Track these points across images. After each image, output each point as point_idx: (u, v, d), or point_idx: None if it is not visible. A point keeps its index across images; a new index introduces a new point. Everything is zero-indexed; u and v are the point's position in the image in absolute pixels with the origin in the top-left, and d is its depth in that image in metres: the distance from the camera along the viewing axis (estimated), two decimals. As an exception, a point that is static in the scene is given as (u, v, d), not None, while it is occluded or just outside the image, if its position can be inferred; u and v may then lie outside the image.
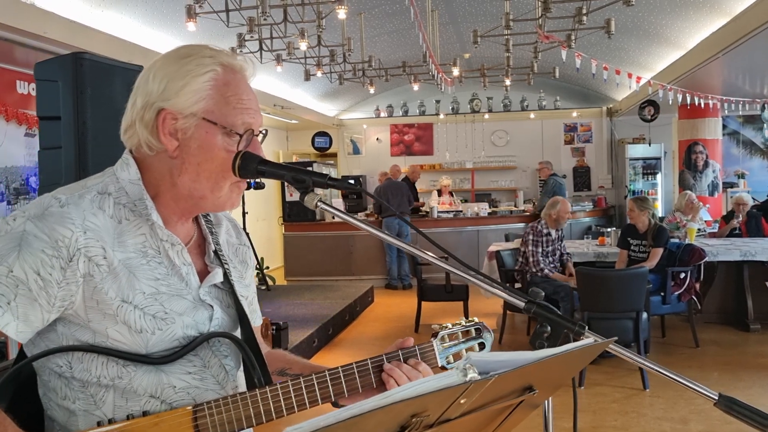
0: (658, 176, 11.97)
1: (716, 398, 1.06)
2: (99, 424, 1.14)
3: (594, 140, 12.75)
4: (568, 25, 5.87)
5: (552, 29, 6.13)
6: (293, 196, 10.07)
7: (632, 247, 5.98)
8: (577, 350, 0.93)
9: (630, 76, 7.00)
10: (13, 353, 1.09)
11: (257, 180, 7.46)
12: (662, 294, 5.70)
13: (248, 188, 8.66)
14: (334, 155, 13.49)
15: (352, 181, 12.40)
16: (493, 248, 7.11)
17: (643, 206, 5.82)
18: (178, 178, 1.21)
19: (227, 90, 1.21)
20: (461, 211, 10.31)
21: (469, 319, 1.47)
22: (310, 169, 1.23)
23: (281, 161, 12.81)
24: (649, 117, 10.90)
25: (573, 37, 5.83)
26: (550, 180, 9.89)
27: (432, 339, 1.38)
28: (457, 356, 1.40)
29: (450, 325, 1.42)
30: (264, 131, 1.31)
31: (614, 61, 8.06)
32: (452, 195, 10.75)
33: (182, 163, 1.20)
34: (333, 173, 11.76)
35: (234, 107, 1.20)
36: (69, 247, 1.10)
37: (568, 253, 6.19)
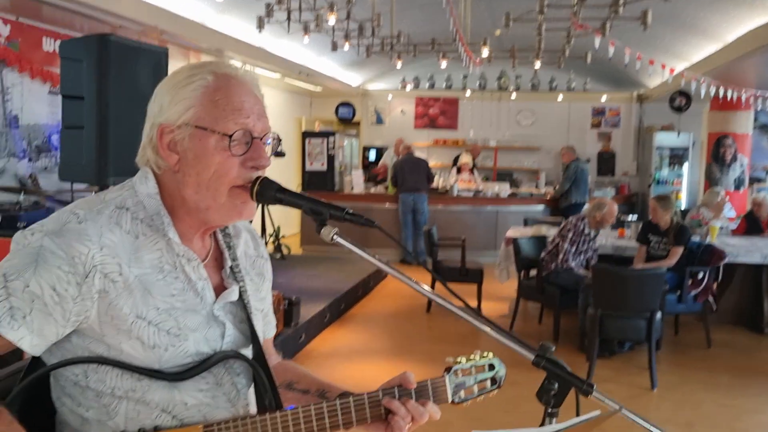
0: (685, 166, 11.78)
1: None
2: None
3: (621, 125, 12.55)
4: (604, 14, 5.72)
5: (587, 16, 5.98)
6: (313, 165, 10.07)
7: (652, 244, 5.90)
8: (581, 424, 0.91)
9: (663, 67, 6.84)
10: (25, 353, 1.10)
11: (278, 149, 7.52)
12: (678, 292, 5.65)
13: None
14: (357, 124, 13.41)
15: (374, 152, 12.36)
16: (511, 233, 7.07)
17: (666, 206, 5.73)
18: (184, 192, 1.21)
19: (217, 94, 1.19)
20: (481, 191, 10.23)
21: (483, 354, 1.46)
22: (328, 202, 1.22)
23: (303, 127, 12.82)
24: (680, 106, 10.68)
25: (608, 26, 5.69)
26: (571, 165, 9.76)
27: (445, 374, 1.37)
28: (468, 391, 1.39)
29: (464, 360, 1.40)
30: (275, 137, 1.29)
31: (648, 49, 7.87)
32: (473, 172, 10.66)
33: (184, 175, 1.20)
34: (354, 143, 11.70)
35: (223, 109, 1.19)
36: (85, 264, 1.11)
37: (595, 250, 6.10)
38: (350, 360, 5.23)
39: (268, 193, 1.21)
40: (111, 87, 2.55)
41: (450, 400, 1.36)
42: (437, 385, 1.35)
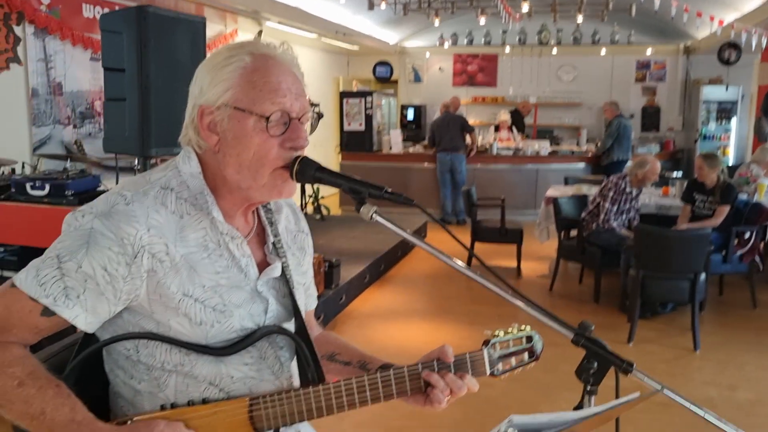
0: (733, 121, 11.40)
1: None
2: (162, 407, 1.22)
3: (667, 79, 12.17)
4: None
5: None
6: (351, 125, 10.05)
7: (697, 203, 5.77)
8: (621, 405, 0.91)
9: (712, 18, 6.58)
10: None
11: (317, 110, 7.46)
12: (724, 253, 5.54)
13: (307, 118, 8.72)
14: (395, 83, 13.29)
15: (411, 111, 12.26)
16: (551, 193, 6.99)
17: (713, 164, 5.57)
18: (225, 171, 1.24)
19: (254, 75, 1.20)
20: (521, 149, 10.10)
21: (521, 327, 1.47)
22: (367, 181, 1.22)
23: (341, 87, 12.77)
24: (729, 59, 10.29)
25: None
26: (614, 122, 9.53)
27: (483, 347, 1.39)
28: (506, 364, 1.40)
29: (501, 334, 1.42)
30: (318, 113, 1.30)
31: (696, -1, 7.56)
32: (512, 130, 10.51)
33: (224, 156, 1.22)
34: (392, 102, 11.62)
35: (261, 90, 1.19)
36: (134, 245, 1.15)
37: (637, 210, 5.99)
38: (390, 320, 5.29)
39: (307, 172, 1.23)
40: (151, 58, 2.58)
41: (488, 372, 1.37)
42: (475, 358, 1.37)
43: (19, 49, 5.36)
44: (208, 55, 1.27)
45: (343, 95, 10.32)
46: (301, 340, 1.31)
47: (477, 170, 9.75)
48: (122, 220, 1.15)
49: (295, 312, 1.35)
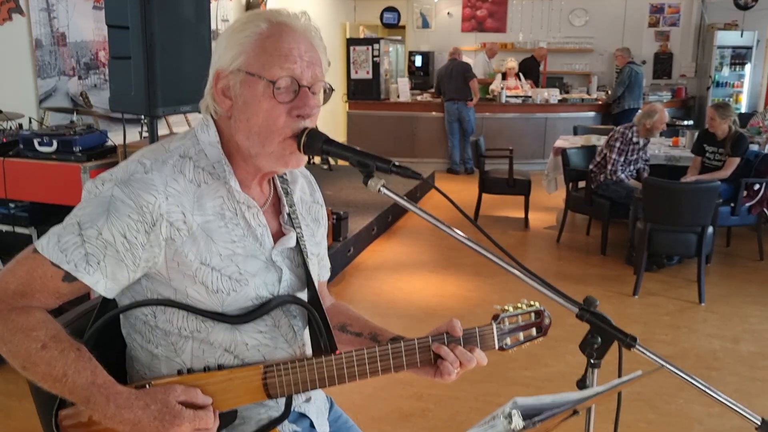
0: (747, 67, 11.17)
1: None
2: (179, 372, 1.25)
3: (681, 24, 11.88)
4: None
5: None
6: (358, 73, 9.93)
7: (707, 154, 5.72)
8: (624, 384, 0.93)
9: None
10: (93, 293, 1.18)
11: (327, 87, 7.42)
12: (732, 204, 5.52)
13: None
14: (403, 29, 13.05)
15: (419, 62, 12.07)
16: (559, 143, 6.93)
17: (724, 114, 5.49)
18: (237, 137, 1.25)
19: (267, 41, 1.21)
20: (530, 97, 9.97)
21: (530, 303, 1.49)
22: (375, 154, 1.22)
23: (348, 34, 12.55)
24: (746, 4, 10.03)
25: None
26: (625, 69, 9.36)
27: (492, 321, 1.41)
28: (514, 339, 1.43)
29: (511, 309, 1.44)
30: (328, 87, 1.29)
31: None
32: (519, 78, 10.35)
33: (236, 121, 1.24)
34: (400, 49, 11.43)
35: (271, 55, 1.20)
36: (153, 213, 1.17)
37: (646, 160, 5.94)
38: (397, 272, 5.34)
39: (315, 144, 1.23)
40: (155, 15, 2.53)
41: (497, 346, 1.40)
42: (484, 332, 1.39)
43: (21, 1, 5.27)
44: (229, 22, 1.27)
45: (350, 42, 10.16)
46: (314, 310, 1.34)
47: (485, 119, 9.66)
48: (141, 188, 1.17)
49: (308, 282, 1.37)
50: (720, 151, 5.61)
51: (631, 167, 5.80)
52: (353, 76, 9.97)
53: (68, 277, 1.15)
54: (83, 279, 1.15)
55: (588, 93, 10.82)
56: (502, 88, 10.04)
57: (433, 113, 9.93)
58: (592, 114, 9.93)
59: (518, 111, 9.85)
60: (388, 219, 6.71)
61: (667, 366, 1.02)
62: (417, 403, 3.38)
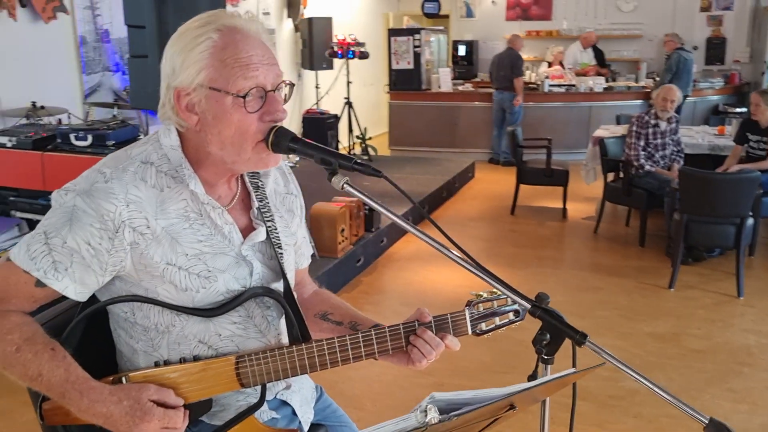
0: (805, 51, 10.71)
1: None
2: (156, 364, 1.31)
3: (735, 7, 11.44)
4: None
5: None
6: (399, 64, 9.92)
7: (751, 143, 5.53)
8: (553, 381, 0.94)
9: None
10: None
11: (362, 50, 7.42)
12: (777, 195, 5.32)
13: (352, 57, 8.64)
14: (446, 18, 12.96)
15: (462, 51, 11.97)
16: (599, 133, 6.81)
17: (769, 101, 5.30)
18: (208, 148, 1.27)
19: (225, 53, 1.22)
20: (574, 85, 9.78)
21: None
22: (338, 152, 1.25)
23: (390, 24, 12.54)
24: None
25: None
26: (674, 55, 9.09)
27: (465, 307, 1.42)
28: (490, 323, 1.44)
29: (485, 294, 1.45)
30: (288, 82, 1.31)
31: None
32: (564, 67, 10.16)
33: (206, 134, 1.26)
34: (442, 39, 11.35)
35: (233, 68, 1.21)
36: (114, 221, 1.21)
37: (680, 150, 5.79)
38: (429, 263, 5.35)
39: (282, 143, 1.26)
40: (170, 15, 2.61)
41: (470, 331, 1.41)
42: (456, 318, 1.41)
43: (66, -1, 5.47)
44: (175, 33, 1.28)
45: (391, 33, 10.15)
46: (284, 300, 1.37)
47: (527, 108, 9.53)
48: (101, 197, 1.21)
49: (282, 274, 1.41)
50: (764, 140, 5.42)
51: (660, 153, 5.66)
52: (394, 66, 9.98)
53: (40, 283, 1.21)
54: (52, 285, 1.21)
55: (636, 80, 10.56)
56: (546, 77, 9.89)
57: (476, 103, 9.85)
58: (638, 102, 9.68)
59: (561, 100, 9.69)
60: (424, 209, 6.70)
61: (616, 363, 1.02)
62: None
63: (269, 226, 1.41)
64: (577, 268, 5.33)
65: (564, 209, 6.74)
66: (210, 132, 1.25)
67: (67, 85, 5.59)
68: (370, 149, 8.88)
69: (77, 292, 1.24)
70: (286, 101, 1.30)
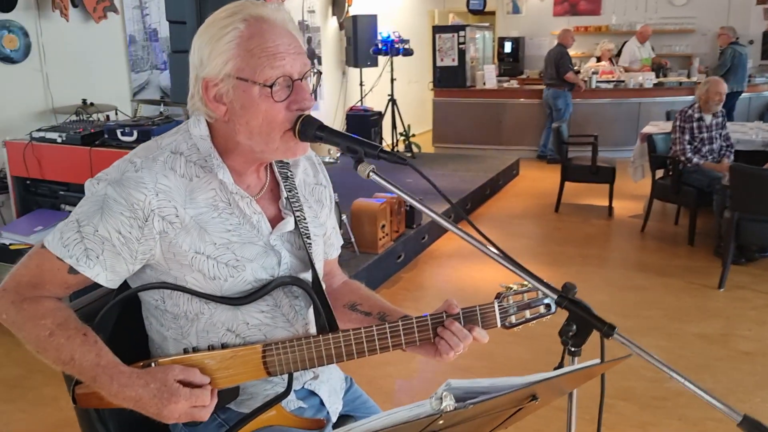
0: None
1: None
2: (185, 351, 1.33)
3: (794, -1, 11.04)
4: None
5: None
6: (444, 61, 9.88)
7: (809, 139, 5.33)
8: (574, 372, 0.91)
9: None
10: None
11: (406, 47, 7.43)
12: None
13: (396, 54, 8.63)
14: (492, 14, 12.85)
15: (508, 48, 11.84)
16: (648, 129, 6.64)
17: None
18: (237, 138, 1.28)
19: (251, 43, 1.22)
20: (623, 81, 9.57)
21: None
22: (364, 140, 1.24)
23: (436, 21, 12.49)
24: None
25: None
26: (727, 50, 8.82)
27: (494, 300, 1.40)
28: (520, 316, 1.41)
29: (515, 287, 1.42)
30: (315, 71, 1.31)
31: None
32: (612, 62, 9.95)
33: (234, 124, 1.27)
34: (488, 35, 11.25)
35: (259, 57, 1.22)
36: (144, 209, 1.23)
37: (729, 145, 5.61)
38: (471, 260, 5.31)
39: (309, 131, 1.26)
40: (210, 11, 2.63)
41: (499, 324, 1.39)
42: (485, 310, 1.39)
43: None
44: (203, 24, 1.29)
45: (436, 30, 10.11)
46: (312, 290, 1.37)
47: (575, 105, 9.37)
48: (132, 186, 1.23)
49: (311, 263, 1.41)
50: (822, 136, 5.21)
51: (707, 147, 5.49)
52: (439, 63, 9.93)
53: (72, 270, 1.24)
54: (84, 272, 1.24)
55: (688, 76, 10.27)
56: (593, 73, 9.71)
57: (521, 100, 9.74)
58: (690, 98, 9.37)
59: (609, 96, 9.49)
60: (467, 206, 6.67)
61: (645, 356, 0.98)
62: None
63: (298, 216, 1.41)
64: (623, 267, 5.21)
65: (610, 207, 6.60)
66: (238, 122, 1.26)
67: (116, 83, 5.74)
68: (413, 146, 8.86)
69: (108, 279, 1.27)
70: (313, 90, 1.30)
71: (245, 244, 1.32)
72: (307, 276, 1.41)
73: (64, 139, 3.92)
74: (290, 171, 1.45)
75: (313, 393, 1.48)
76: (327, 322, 1.37)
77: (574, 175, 6.70)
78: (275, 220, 1.39)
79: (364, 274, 4.47)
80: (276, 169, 1.43)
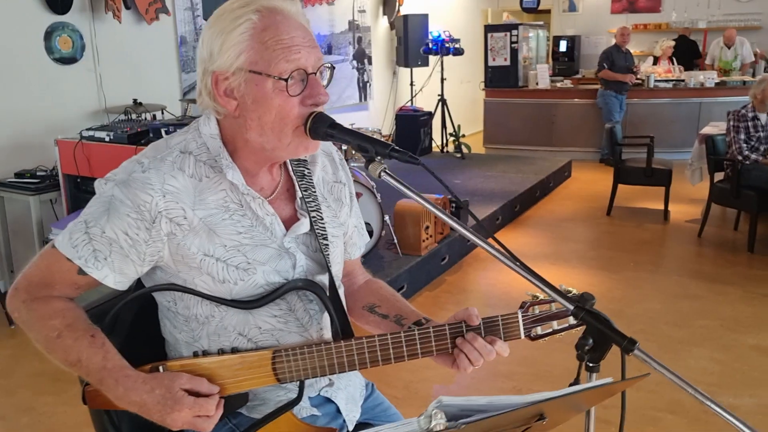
0: None
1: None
2: (195, 354, 1.30)
3: None
4: None
5: None
6: (495, 60, 9.73)
7: None
8: (584, 391, 0.83)
9: None
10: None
11: (456, 46, 7.36)
12: None
13: (447, 54, 8.54)
14: (547, 12, 12.60)
15: (563, 47, 11.60)
16: (707, 130, 6.38)
17: None
18: (247, 134, 1.24)
19: (265, 35, 1.17)
20: (683, 81, 9.24)
21: (568, 289, 1.37)
22: (376, 138, 1.19)
23: (489, 20, 12.33)
24: None
25: None
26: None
27: (518, 310, 1.32)
28: (546, 327, 1.33)
29: (541, 296, 1.34)
30: (329, 66, 1.26)
31: None
32: (672, 61, 9.62)
33: (245, 120, 1.22)
34: (541, 34, 11.03)
35: (274, 50, 1.17)
36: (150, 211, 1.20)
37: None
38: (517, 264, 5.18)
39: (320, 128, 1.21)
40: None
41: (522, 335, 1.31)
42: (508, 321, 1.31)
43: (167, 0, 5.70)
44: (212, 16, 1.25)
45: (488, 29, 9.97)
46: (325, 295, 1.32)
47: (631, 105, 9.09)
48: (138, 187, 1.20)
49: (327, 266, 1.36)
50: None
51: (763, 148, 5.24)
52: (490, 63, 9.79)
53: (81, 271, 1.22)
54: (92, 274, 1.22)
55: (753, 75, 9.84)
56: (651, 72, 9.40)
57: (575, 100, 9.51)
58: (754, 98, 9.01)
59: (668, 96, 9.17)
60: (516, 208, 6.54)
61: (669, 375, 0.90)
62: (514, 398, 3.26)
63: (314, 217, 1.36)
64: (677, 274, 5.00)
65: (665, 211, 6.36)
66: (249, 117, 1.21)
67: (167, 83, 5.84)
68: (463, 147, 8.74)
69: (116, 281, 1.25)
70: (327, 85, 1.25)
71: (257, 247, 1.28)
72: (324, 279, 1.36)
73: (112, 138, 4.00)
74: (307, 168, 1.40)
75: (329, 400, 1.43)
76: (341, 329, 1.32)
77: (627, 178, 6.49)
78: (290, 221, 1.34)
79: (406, 276, 4.41)
80: (290, 168, 1.38)
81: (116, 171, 1.25)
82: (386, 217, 4.55)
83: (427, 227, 4.79)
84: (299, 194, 1.37)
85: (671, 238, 5.96)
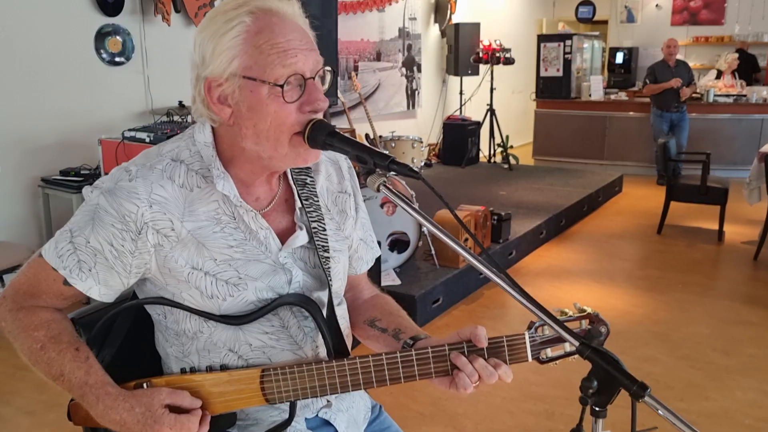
0: None
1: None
2: (182, 371, 1.24)
3: None
4: None
5: None
6: (548, 71, 9.54)
7: None
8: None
9: None
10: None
11: (507, 55, 7.22)
12: None
13: (497, 63, 8.40)
14: (605, 23, 12.32)
15: (620, 58, 11.31)
16: (766, 148, 6.08)
17: None
18: (242, 143, 1.17)
19: (260, 38, 1.10)
20: (744, 95, 8.87)
21: (582, 309, 1.25)
22: (376, 150, 1.11)
23: (544, 29, 12.12)
24: None
25: None
26: None
27: (526, 331, 1.22)
28: (557, 349, 1.22)
29: (570, 312, 1.23)
30: (329, 69, 1.19)
31: None
32: (735, 76, 9.25)
33: (240, 128, 1.15)
34: (597, 45, 10.77)
35: (269, 55, 1.09)
36: (136, 222, 1.15)
37: None
38: (559, 279, 5.02)
39: (318, 137, 1.13)
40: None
41: (530, 358, 1.20)
42: (514, 342, 1.19)
43: (216, 2, 5.75)
44: (204, 18, 1.18)
45: (541, 39, 9.79)
46: (318, 312, 1.24)
47: (689, 120, 8.78)
48: (123, 197, 1.14)
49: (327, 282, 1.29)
50: None
51: None
52: (543, 73, 9.60)
53: (67, 282, 1.17)
54: (76, 285, 1.17)
55: (821, 91, 9.39)
56: (711, 86, 9.06)
57: (630, 113, 9.24)
58: (823, 115, 8.60)
59: (728, 111, 8.82)
60: (561, 222, 6.35)
61: (680, 424, 0.79)
62: (546, 422, 3.12)
63: (315, 228, 1.28)
64: (729, 299, 4.76)
65: (720, 231, 6.08)
66: (244, 125, 1.14)
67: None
68: (510, 158, 8.58)
69: (101, 293, 1.20)
70: (326, 90, 1.18)
71: (250, 262, 1.21)
72: (322, 295, 1.29)
73: (152, 139, 4.02)
74: (310, 177, 1.32)
75: (328, 422, 1.35)
76: (334, 348, 1.24)
77: (681, 195, 6.23)
78: (288, 233, 1.27)
79: (442, 289, 4.31)
80: (290, 177, 1.30)
81: (104, 178, 1.20)
82: (424, 229, 4.46)
83: (467, 239, 4.67)
84: (298, 204, 1.29)
85: (725, 259, 5.68)
